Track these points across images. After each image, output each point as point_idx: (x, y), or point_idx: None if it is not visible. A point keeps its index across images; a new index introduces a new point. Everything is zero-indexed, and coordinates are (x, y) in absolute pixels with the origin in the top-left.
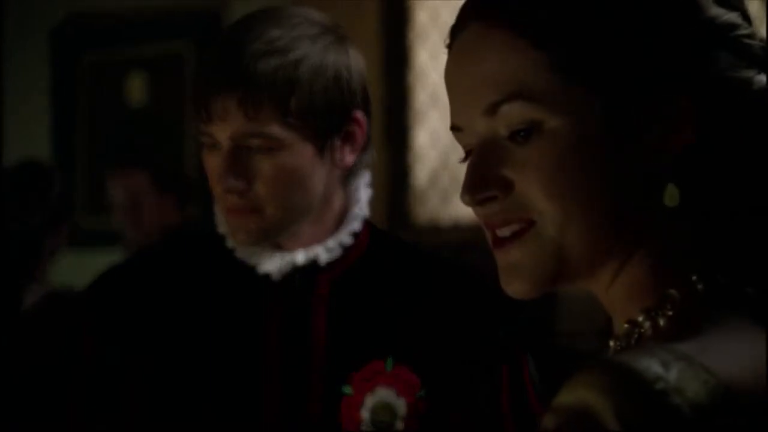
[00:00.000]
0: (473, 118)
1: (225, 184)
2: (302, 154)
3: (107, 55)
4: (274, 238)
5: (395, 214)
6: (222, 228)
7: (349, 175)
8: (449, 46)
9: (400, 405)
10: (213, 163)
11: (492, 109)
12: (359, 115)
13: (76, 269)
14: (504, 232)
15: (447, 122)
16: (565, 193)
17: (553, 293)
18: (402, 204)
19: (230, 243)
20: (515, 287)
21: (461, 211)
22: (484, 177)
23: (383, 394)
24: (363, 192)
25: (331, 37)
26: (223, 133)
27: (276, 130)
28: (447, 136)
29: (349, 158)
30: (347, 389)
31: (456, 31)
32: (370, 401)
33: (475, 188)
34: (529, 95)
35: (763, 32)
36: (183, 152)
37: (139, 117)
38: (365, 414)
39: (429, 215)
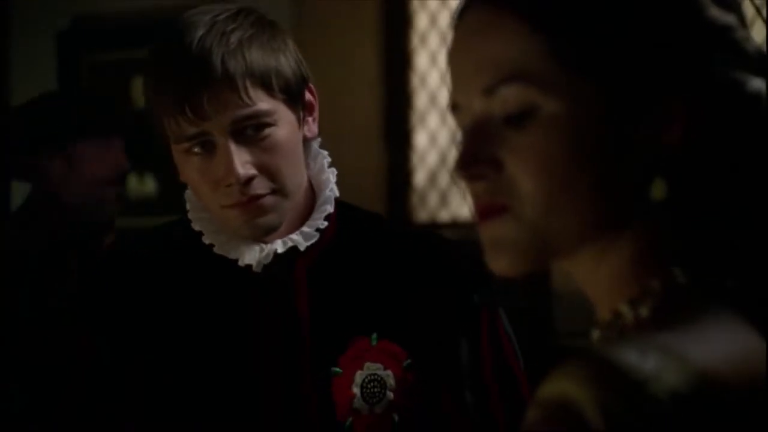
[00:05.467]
0: (472, 97)
1: (237, 176)
2: (290, 124)
3: (113, 57)
4: (279, 223)
5: (395, 214)
6: (198, 226)
7: (307, 156)
8: (454, 28)
9: (389, 377)
10: (204, 164)
11: (490, 90)
12: (311, 85)
13: None
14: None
15: (447, 123)
16: (552, 179)
17: (551, 293)
18: (402, 204)
19: (207, 239)
20: (499, 264)
21: (461, 211)
22: (475, 154)
23: (371, 368)
24: (329, 173)
25: (266, 19)
26: (219, 125)
27: (269, 105)
28: (446, 137)
29: (314, 127)
30: (336, 369)
31: (461, 13)
32: (359, 377)
33: (466, 164)
34: (527, 78)
35: (758, 34)
36: None
37: (144, 119)
38: (356, 390)
39: (429, 215)
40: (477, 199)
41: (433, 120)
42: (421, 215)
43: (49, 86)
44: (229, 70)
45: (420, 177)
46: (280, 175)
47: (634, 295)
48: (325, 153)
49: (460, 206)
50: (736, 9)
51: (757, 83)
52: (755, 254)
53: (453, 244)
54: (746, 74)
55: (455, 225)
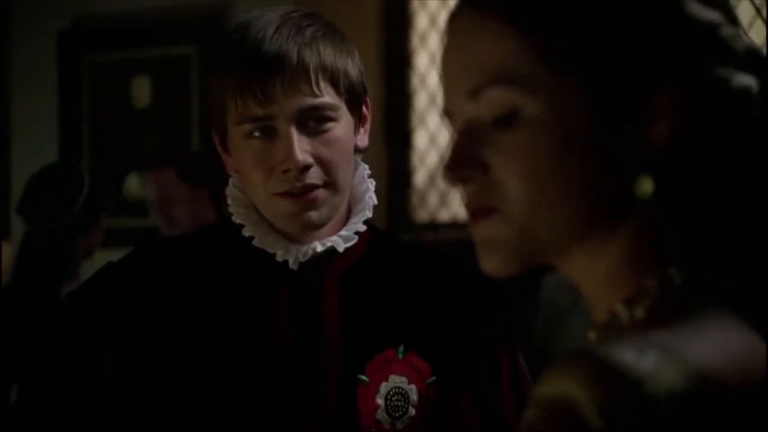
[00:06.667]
0: (460, 101)
1: (297, 161)
2: (349, 125)
3: (113, 57)
4: (326, 220)
5: (395, 214)
6: (239, 219)
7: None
8: (445, 33)
9: (412, 391)
10: (263, 148)
11: (474, 93)
12: (367, 99)
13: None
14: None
15: (446, 124)
16: (538, 179)
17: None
18: (402, 204)
19: (248, 232)
20: (490, 264)
21: (460, 211)
22: (463, 157)
23: (397, 381)
24: (368, 183)
25: (334, 25)
26: (286, 110)
27: (334, 100)
28: (446, 137)
29: (365, 139)
30: (362, 377)
31: (452, 20)
32: (384, 389)
33: (454, 167)
34: (512, 80)
35: (758, 34)
36: None
37: (144, 119)
38: (380, 401)
39: (429, 215)
40: (468, 200)
41: (433, 120)
42: (421, 215)
43: (49, 86)
44: (304, 60)
45: (420, 177)
46: (334, 169)
47: (630, 294)
48: (366, 165)
49: (460, 206)
50: (721, 6)
51: (743, 79)
52: (751, 252)
53: (478, 271)
54: (731, 71)
55: (455, 225)
